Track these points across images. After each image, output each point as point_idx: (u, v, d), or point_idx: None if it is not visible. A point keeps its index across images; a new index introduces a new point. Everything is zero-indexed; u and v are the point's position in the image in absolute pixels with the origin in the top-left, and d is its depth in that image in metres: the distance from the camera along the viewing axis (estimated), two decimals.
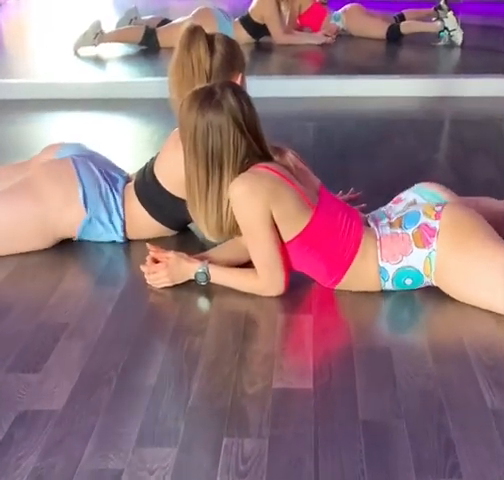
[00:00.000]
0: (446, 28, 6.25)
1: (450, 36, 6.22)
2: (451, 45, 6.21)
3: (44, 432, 1.84)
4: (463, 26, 6.23)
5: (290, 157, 2.43)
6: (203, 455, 1.77)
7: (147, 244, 2.55)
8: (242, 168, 2.31)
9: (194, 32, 2.58)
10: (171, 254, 2.49)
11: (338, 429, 1.85)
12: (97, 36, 6.17)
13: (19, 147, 3.94)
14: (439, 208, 2.39)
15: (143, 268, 2.53)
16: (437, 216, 2.36)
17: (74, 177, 2.75)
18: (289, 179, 2.34)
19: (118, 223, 2.80)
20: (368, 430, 1.84)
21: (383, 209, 2.58)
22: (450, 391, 1.98)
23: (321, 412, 1.91)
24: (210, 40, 2.59)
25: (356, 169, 3.60)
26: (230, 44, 2.65)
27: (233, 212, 2.32)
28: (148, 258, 2.53)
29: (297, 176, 2.40)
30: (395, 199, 2.60)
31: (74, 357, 2.15)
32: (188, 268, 2.48)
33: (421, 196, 2.52)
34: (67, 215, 2.73)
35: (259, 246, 2.35)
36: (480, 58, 5.87)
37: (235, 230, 2.37)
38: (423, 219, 2.37)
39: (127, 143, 4.17)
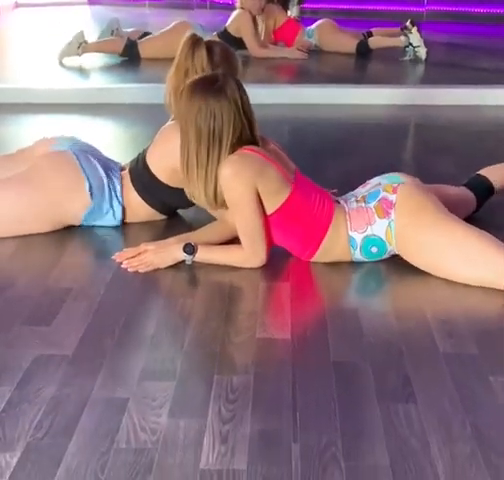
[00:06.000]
0: (411, 44, 6.67)
1: (415, 52, 6.63)
2: (416, 60, 6.62)
3: (59, 370, 2.12)
4: (428, 43, 6.64)
5: (272, 145, 2.76)
6: (198, 387, 2.07)
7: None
8: (237, 145, 2.62)
9: (196, 42, 2.88)
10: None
11: (313, 367, 2.15)
12: (80, 46, 6.47)
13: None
14: (396, 185, 2.73)
15: (118, 257, 2.80)
16: (394, 191, 2.71)
17: (77, 168, 2.99)
18: (272, 160, 2.66)
19: (118, 209, 3.07)
20: (338, 369, 2.14)
21: (351, 192, 2.92)
22: (409, 341, 2.30)
23: (299, 356, 2.21)
24: (209, 49, 2.89)
25: (328, 167, 3.92)
26: (227, 53, 2.94)
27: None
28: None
29: (277, 160, 2.72)
30: (363, 184, 2.93)
31: (80, 314, 2.43)
32: (174, 248, 2.74)
33: (385, 179, 2.85)
34: (73, 205, 2.99)
35: (245, 219, 2.65)
36: (442, 72, 6.29)
37: (225, 203, 2.69)
38: (383, 194, 2.71)
39: (110, 145, 4.39)
